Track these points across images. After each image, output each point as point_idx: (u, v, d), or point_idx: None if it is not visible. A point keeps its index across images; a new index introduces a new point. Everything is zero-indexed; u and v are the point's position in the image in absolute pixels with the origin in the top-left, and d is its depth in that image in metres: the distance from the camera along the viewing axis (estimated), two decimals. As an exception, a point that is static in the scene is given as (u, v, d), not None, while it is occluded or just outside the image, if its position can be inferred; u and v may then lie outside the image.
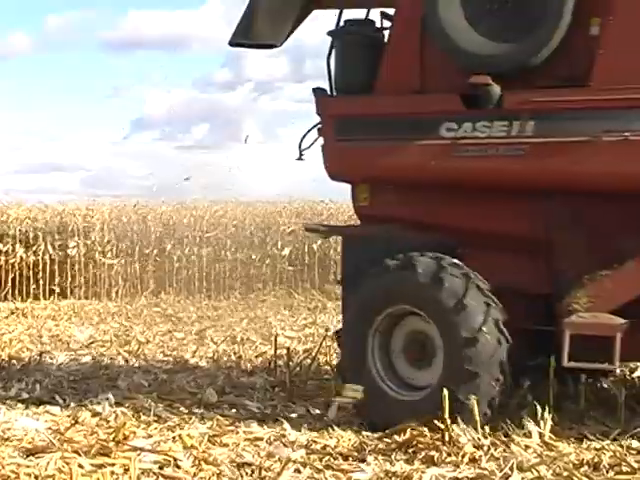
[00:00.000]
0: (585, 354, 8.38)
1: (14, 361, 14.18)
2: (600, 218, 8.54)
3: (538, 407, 8.59)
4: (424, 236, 9.06)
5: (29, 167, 76.57)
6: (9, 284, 27.80)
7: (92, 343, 16.50)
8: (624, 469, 7.64)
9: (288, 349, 11.73)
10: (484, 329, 8.31)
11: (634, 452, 8.11)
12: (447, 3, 8.78)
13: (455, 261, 8.55)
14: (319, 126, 9.70)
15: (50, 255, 28.42)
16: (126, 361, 14.42)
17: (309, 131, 9.76)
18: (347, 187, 10.04)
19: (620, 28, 8.48)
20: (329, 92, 9.75)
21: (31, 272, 28.40)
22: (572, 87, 8.56)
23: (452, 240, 8.93)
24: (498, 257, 8.95)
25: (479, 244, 9.05)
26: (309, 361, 11.89)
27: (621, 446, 8.24)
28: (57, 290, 28.08)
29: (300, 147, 9.85)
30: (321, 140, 9.66)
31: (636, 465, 7.71)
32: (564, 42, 8.49)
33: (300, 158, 9.91)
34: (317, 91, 9.64)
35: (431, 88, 9.09)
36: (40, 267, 28.34)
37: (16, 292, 27.81)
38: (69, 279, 28.46)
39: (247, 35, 9.97)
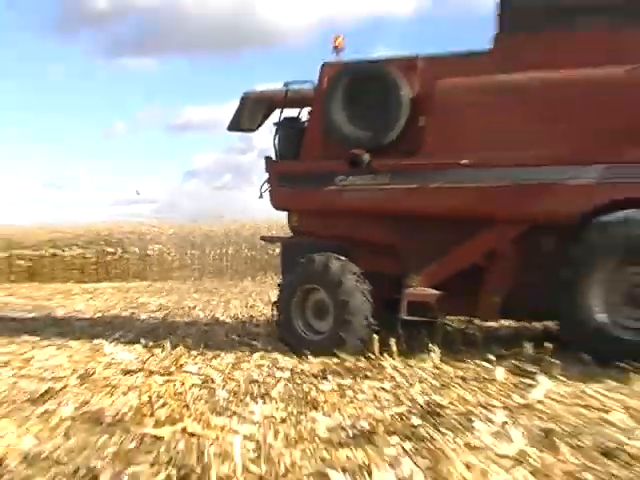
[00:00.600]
0: (417, 311, 10.26)
1: (115, 318, 15.86)
2: (427, 232, 10.56)
3: (430, 345, 9.57)
4: (328, 243, 11.05)
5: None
6: (112, 272, 34.08)
7: (161, 308, 18.05)
8: (484, 377, 8.34)
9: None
10: (354, 294, 10.26)
11: (485, 367, 8.79)
12: (335, 109, 11.00)
13: (337, 256, 10.62)
14: (268, 178, 11.68)
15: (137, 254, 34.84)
16: (181, 317, 15.82)
17: (264, 182, 11.71)
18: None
19: (436, 121, 10.48)
20: (274, 158, 11.79)
21: (125, 265, 34.52)
22: (410, 156, 10.52)
23: (345, 245, 11.02)
24: (372, 254, 11.02)
25: (361, 247, 11.08)
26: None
27: (479, 366, 8.99)
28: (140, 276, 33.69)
29: (260, 190, 11.77)
30: (269, 186, 11.73)
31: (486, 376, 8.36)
32: (404, 130, 10.64)
33: (260, 196, 11.79)
34: (267, 158, 11.80)
35: (330, 156, 11.04)
36: (130, 262, 34.58)
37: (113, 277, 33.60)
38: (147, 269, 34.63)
39: (237, 125, 12.21)
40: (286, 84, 11.81)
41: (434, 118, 10.48)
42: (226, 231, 35.19)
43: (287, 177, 11.49)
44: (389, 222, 10.78)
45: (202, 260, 35.18)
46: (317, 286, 10.63)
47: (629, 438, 5.87)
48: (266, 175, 11.70)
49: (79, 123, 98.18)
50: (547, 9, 10.35)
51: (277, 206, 11.80)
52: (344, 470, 5.20)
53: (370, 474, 5.12)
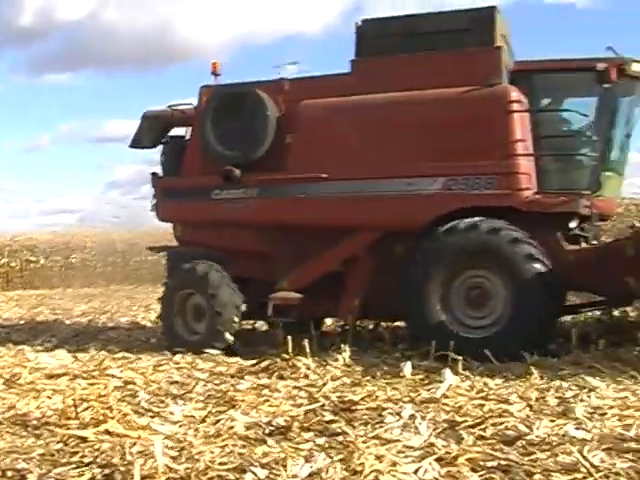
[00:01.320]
0: (283, 313, 10.73)
1: (40, 324, 15.83)
2: (293, 240, 10.95)
3: (342, 345, 9.72)
4: (207, 252, 11.43)
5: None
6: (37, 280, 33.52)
7: (84, 314, 18.05)
8: (393, 374, 8.47)
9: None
10: (221, 292, 10.74)
11: (393, 365, 8.83)
12: (210, 128, 11.44)
13: (205, 261, 11.12)
14: (154, 193, 12.09)
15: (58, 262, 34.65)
16: (103, 323, 15.85)
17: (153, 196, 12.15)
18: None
19: (300, 138, 10.89)
20: (160, 175, 12.16)
21: (50, 273, 34.34)
22: (277, 171, 10.93)
23: (223, 253, 11.38)
24: (248, 261, 11.35)
25: (238, 255, 11.41)
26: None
27: (388, 364, 9.12)
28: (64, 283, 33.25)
29: (151, 203, 12.16)
30: (155, 200, 12.13)
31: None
32: (271, 147, 11.06)
33: (152, 210, 12.21)
34: (153, 174, 12.22)
35: (208, 172, 11.44)
36: (55, 269, 34.53)
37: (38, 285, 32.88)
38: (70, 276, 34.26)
39: (138, 142, 12.45)
40: (169, 106, 12.43)
41: (298, 136, 11.00)
42: (146, 239, 34.31)
43: (170, 192, 12.00)
44: (260, 232, 11.29)
45: (124, 267, 35.18)
46: (194, 291, 11.06)
47: (528, 427, 6.00)
48: (153, 190, 12.27)
49: (3, 137, 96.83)
50: (396, 34, 10.86)
51: (162, 218, 12.42)
52: (261, 465, 5.21)
53: (286, 468, 5.13)
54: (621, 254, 9.14)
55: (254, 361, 9.54)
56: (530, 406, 6.84)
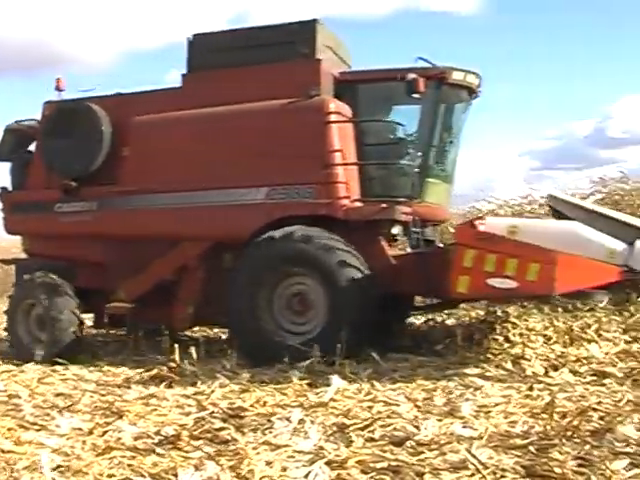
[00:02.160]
0: (118, 322, 11.38)
1: None
2: (130, 251, 11.11)
3: (229, 351, 9.72)
4: (52, 263, 11.54)
5: None
6: None
7: None
8: (281, 379, 8.38)
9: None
10: (59, 302, 10.99)
11: (281, 370, 8.84)
12: (49, 142, 11.73)
13: (43, 272, 11.24)
14: (2, 207, 12.22)
15: None
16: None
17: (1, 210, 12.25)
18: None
19: (134, 152, 11.13)
20: (9, 189, 12.22)
21: None
22: (114, 184, 11.18)
23: (67, 264, 11.51)
24: (89, 272, 11.48)
25: (81, 266, 11.58)
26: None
27: (276, 369, 9.08)
28: None
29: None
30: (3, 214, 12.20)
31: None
32: (107, 161, 11.29)
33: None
34: (2, 188, 12.21)
35: (50, 186, 11.61)
36: None
37: None
38: None
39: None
40: (17, 121, 12.51)
41: (131, 149, 11.23)
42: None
43: (17, 205, 12.12)
44: (99, 243, 11.42)
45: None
46: (34, 301, 11.19)
47: (416, 428, 6.07)
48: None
49: None
50: (225, 48, 11.16)
51: (10, 231, 12.64)
52: (151, 475, 5.17)
53: (176, 477, 5.09)
54: (443, 259, 9.26)
55: (141, 370, 9.42)
56: (417, 407, 6.92)
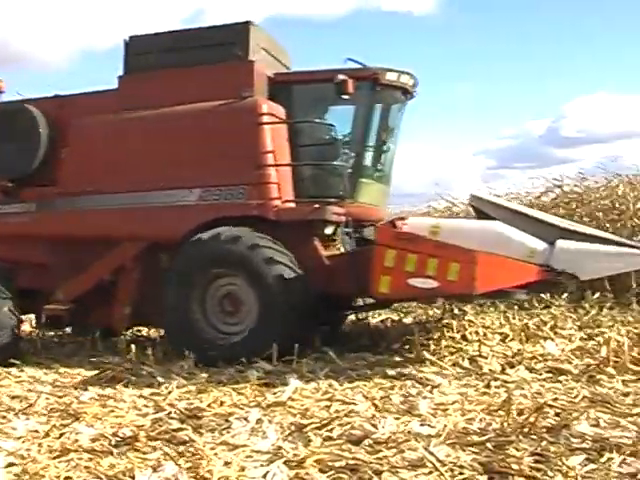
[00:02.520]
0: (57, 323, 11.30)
1: None
2: (69, 252, 11.06)
3: (186, 352, 9.52)
4: None
5: None
6: None
7: None
8: (239, 379, 8.32)
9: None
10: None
11: (238, 370, 8.81)
12: None
13: None
14: None
15: None
16: None
17: None
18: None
19: (72, 153, 11.13)
20: None
21: None
22: (52, 186, 11.19)
23: (9, 265, 11.39)
24: (31, 273, 11.39)
25: (23, 267, 11.44)
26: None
27: (233, 369, 9.00)
28: None
29: None
30: None
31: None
32: (45, 162, 11.26)
33: None
34: None
35: None
36: None
37: None
38: None
39: None
40: None
41: (69, 151, 11.20)
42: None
43: None
44: (39, 244, 11.31)
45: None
46: None
47: (374, 426, 6.09)
48: None
49: None
50: (160, 50, 11.17)
51: None
52: (108, 477, 5.14)
53: (134, 479, 5.07)
54: (369, 258, 9.14)
55: (97, 371, 9.31)
56: (375, 405, 6.94)
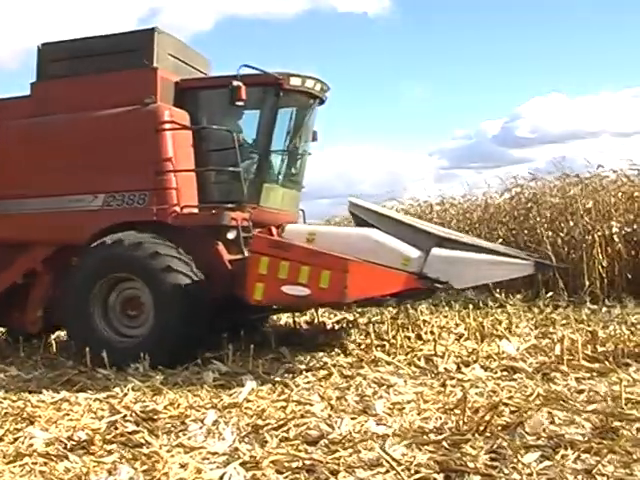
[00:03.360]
0: None
1: None
2: None
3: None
4: None
5: None
6: None
7: None
8: (194, 381, 8.32)
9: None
10: None
11: (194, 371, 8.78)
12: None
13: None
14: None
15: None
16: None
17: None
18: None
19: None
20: None
21: None
22: None
23: None
24: None
25: None
26: None
27: (188, 370, 8.99)
28: None
29: None
30: None
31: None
32: None
33: None
34: None
35: None
36: None
37: None
38: None
39: None
40: None
41: None
42: None
43: None
44: None
45: None
46: None
47: (330, 426, 6.11)
48: None
49: None
50: (71, 57, 11.27)
51: None
52: (64, 482, 5.10)
53: (89, 483, 5.04)
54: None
55: (52, 374, 9.27)
56: (331, 405, 6.96)
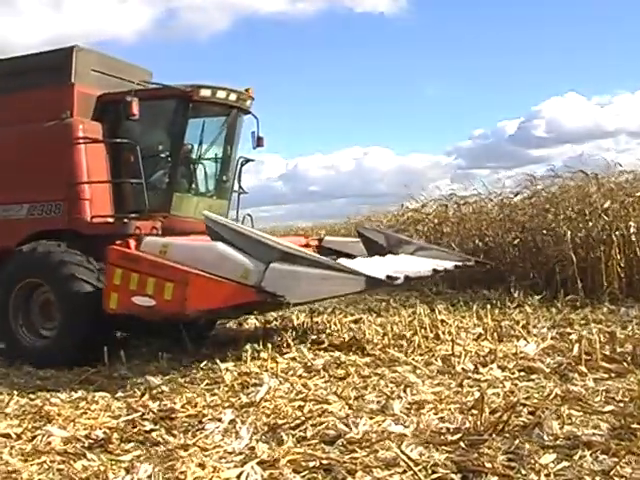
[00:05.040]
0: None
1: None
2: None
3: (159, 353, 9.55)
4: None
5: None
6: None
7: None
8: (212, 380, 8.32)
9: None
10: None
11: (212, 370, 8.76)
12: None
13: None
14: None
15: None
16: None
17: None
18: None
19: None
20: None
21: None
22: None
23: None
24: None
25: None
26: None
27: (207, 370, 9.02)
28: None
29: None
30: None
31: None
32: None
33: None
34: None
35: None
36: None
37: None
38: None
39: None
40: None
41: None
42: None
43: None
44: None
45: None
46: None
47: (347, 426, 6.10)
48: None
49: None
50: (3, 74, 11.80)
51: None
52: (81, 480, 5.12)
53: (107, 481, 5.06)
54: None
55: (70, 373, 9.29)
56: (349, 405, 6.96)
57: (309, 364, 9.10)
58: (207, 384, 8.32)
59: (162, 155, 11.61)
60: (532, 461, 5.07)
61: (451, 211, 21.36)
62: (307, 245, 11.96)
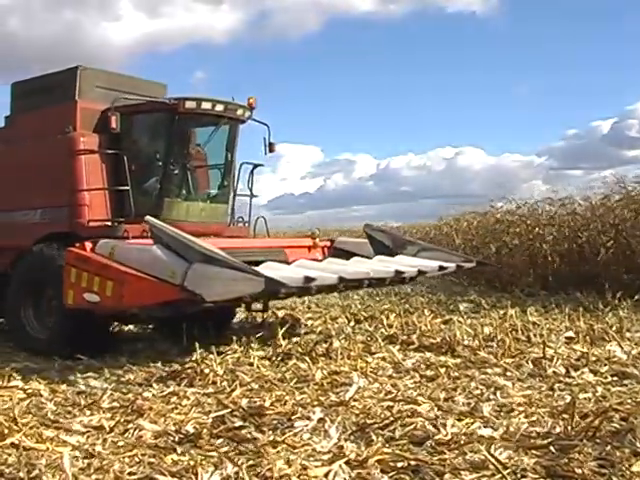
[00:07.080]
0: None
1: None
2: None
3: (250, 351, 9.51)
4: None
5: None
6: None
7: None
8: (302, 378, 8.34)
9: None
10: None
11: (301, 367, 8.76)
12: None
13: None
14: None
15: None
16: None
17: None
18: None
19: None
20: None
21: None
22: None
23: None
24: None
25: None
26: None
27: (298, 367, 9.04)
28: None
29: None
30: None
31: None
32: None
33: None
34: None
35: None
36: None
37: None
38: None
39: None
40: None
41: None
42: None
43: None
44: None
45: None
46: None
47: (436, 427, 6.07)
48: None
49: None
50: (26, 94, 13.06)
51: None
52: (171, 474, 5.19)
53: (196, 476, 5.11)
54: None
55: (161, 368, 9.46)
56: (438, 406, 6.92)
57: (399, 364, 9.11)
58: (296, 382, 8.34)
59: (153, 164, 12.41)
60: (623, 468, 4.96)
61: (543, 213, 21.06)
62: (313, 246, 12.73)
